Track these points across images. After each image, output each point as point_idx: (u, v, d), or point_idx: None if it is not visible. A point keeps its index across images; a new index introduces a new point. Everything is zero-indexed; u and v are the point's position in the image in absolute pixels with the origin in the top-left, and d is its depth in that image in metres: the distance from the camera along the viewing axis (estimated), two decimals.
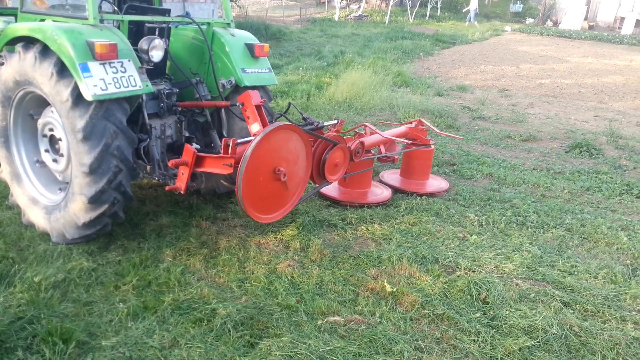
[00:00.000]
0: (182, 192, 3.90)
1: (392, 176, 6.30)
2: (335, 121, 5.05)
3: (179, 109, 4.66)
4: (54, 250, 3.99)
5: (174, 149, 4.64)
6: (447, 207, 5.59)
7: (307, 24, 29.08)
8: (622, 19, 34.55)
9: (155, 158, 4.32)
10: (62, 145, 4.11)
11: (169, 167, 4.12)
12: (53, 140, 4.22)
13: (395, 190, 5.91)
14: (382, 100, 10.51)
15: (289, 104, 4.74)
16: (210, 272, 3.94)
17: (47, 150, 4.30)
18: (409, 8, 35.50)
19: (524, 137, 8.81)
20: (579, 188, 6.47)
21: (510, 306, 3.66)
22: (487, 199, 5.89)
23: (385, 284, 3.82)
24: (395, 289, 3.77)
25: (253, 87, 4.72)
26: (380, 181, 6.16)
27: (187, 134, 4.79)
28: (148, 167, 4.35)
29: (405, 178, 6.18)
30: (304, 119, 4.67)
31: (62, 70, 3.71)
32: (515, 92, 13.69)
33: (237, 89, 4.76)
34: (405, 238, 4.71)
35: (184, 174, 3.85)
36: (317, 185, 4.74)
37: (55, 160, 4.27)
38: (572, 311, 3.67)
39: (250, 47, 4.83)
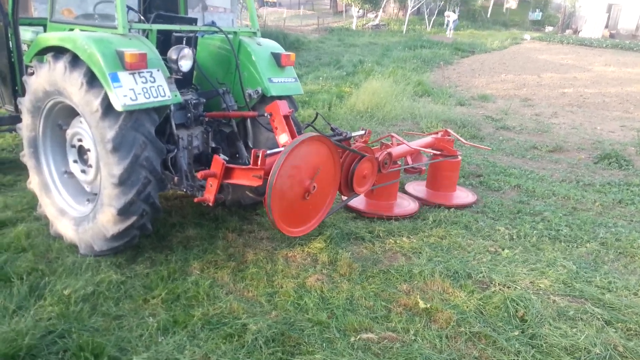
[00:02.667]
0: (210, 204, 3.85)
1: (418, 187, 6.20)
2: (363, 132, 4.99)
3: (206, 119, 4.62)
4: (83, 263, 3.96)
5: (201, 160, 4.60)
6: (476, 219, 5.46)
7: (325, 33, 29.19)
8: None
9: (182, 169, 4.28)
10: (91, 156, 4.10)
11: (196, 178, 4.08)
12: (82, 151, 4.21)
13: (422, 202, 5.80)
14: (403, 110, 10.42)
15: (317, 114, 4.68)
16: (238, 286, 3.87)
17: (75, 161, 4.29)
18: (426, 17, 35.44)
19: (550, 148, 8.65)
20: (610, 200, 6.30)
21: (550, 324, 3.53)
22: (516, 212, 5.75)
23: (418, 299, 3.72)
24: (428, 305, 3.67)
25: (280, 97, 4.67)
26: (406, 192, 6.05)
27: (213, 145, 4.75)
28: (175, 178, 4.31)
29: (431, 190, 6.07)
30: (332, 129, 4.60)
31: (92, 80, 3.70)
32: (538, 102, 13.50)
33: (264, 98, 4.72)
34: (435, 252, 4.60)
35: (212, 185, 3.80)
36: (344, 197, 4.66)
37: (83, 171, 4.25)
38: (614, 330, 3.53)
39: (276, 57, 4.79)
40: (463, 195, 6.01)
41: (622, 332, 3.51)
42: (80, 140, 4.18)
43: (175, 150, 4.33)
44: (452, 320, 3.51)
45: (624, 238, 5.17)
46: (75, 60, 3.77)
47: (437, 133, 6.20)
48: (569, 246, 4.96)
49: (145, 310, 3.48)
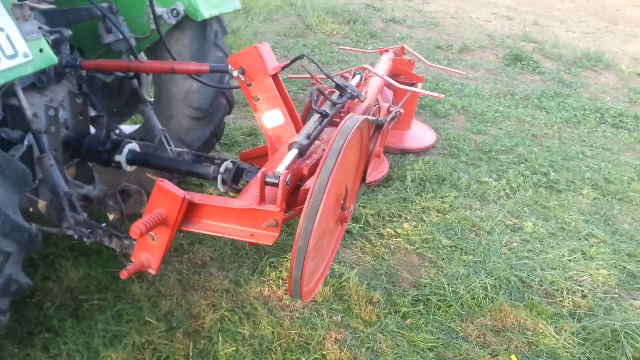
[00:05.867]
0: (153, 271, 1.90)
1: None
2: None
3: (81, 71, 2.38)
4: None
5: (71, 145, 2.42)
6: (454, 169, 4.26)
7: None
8: None
9: (55, 188, 2.11)
10: None
11: (87, 209, 2.04)
12: None
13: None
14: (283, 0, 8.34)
15: (302, 55, 2.61)
16: None
17: None
18: None
19: (456, 49, 7.62)
20: (558, 120, 5.59)
21: None
22: (487, 151, 4.67)
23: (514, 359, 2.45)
24: None
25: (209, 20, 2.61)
26: None
27: (93, 113, 2.57)
28: (40, 204, 2.16)
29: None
30: (334, 82, 2.68)
31: None
32: None
33: (185, 23, 2.60)
34: (452, 240, 3.31)
35: (156, 242, 1.82)
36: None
37: None
38: None
39: None
40: (421, 135, 4.69)
41: None
42: None
43: (26, 144, 2.12)
44: None
45: (609, 177, 4.49)
46: None
47: (387, 50, 4.59)
48: (567, 197, 4.09)
49: None
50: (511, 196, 4.03)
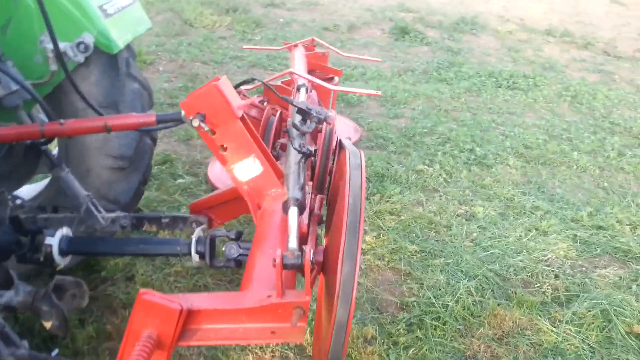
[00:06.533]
0: None
1: None
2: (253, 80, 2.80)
3: None
4: None
5: None
6: (388, 162, 4.12)
7: None
8: None
9: None
10: None
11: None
12: None
13: None
14: None
15: (252, 79, 2.13)
16: None
17: None
18: None
19: (344, 29, 7.45)
20: (462, 91, 5.70)
21: None
22: (411, 135, 4.60)
23: None
24: None
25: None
26: None
27: None
28: None
29: None
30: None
31: None
32: None
33: (96, 57, 2.07)
34: (417, 244, 3.16)
35: None
36: None
37: None
38: None
39: None
40: (347, 131, 4.46)
41: None
42: None
43: None
44: None
45: (526, 142, 4.66)
46: None
47: (296, 45, 4.25)
48: (498, 171, 4.17)
49: None
50: (449, 181, 3.98)
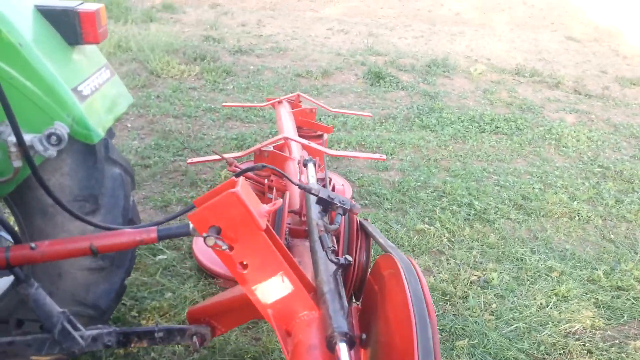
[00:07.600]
0: None
1: None
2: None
3: None
4: None
5: None
6: (386, 222, 3.85)
7: None
8: None
9: None
10: None
11: None
12: None
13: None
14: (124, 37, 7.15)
15: (262, 165, 1.79)
16: None
17: None
18: None
19: (318, 75, 7.23)
20: (447, 138, 5.51)
21: None
22: (405, 190, 4.33)
23: None
24: None
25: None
26: None
27: None
28: None
29: None
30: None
31: None
32: (229, 7, 11.69)
33: (65, 148, 1.70)
34: (439, 322, 2.76)
35: None
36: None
37: None
38: None
39: (66, 23, 1.70)
40: (339, 188, 4.16)
41: None
42: None
43: None
44: None
45: (523, 192, 4.48)
46: None
47: (280, 102, 3.96)
48: (501, 226, 3.93)
49: None
50: (453, 240, 3.71)
